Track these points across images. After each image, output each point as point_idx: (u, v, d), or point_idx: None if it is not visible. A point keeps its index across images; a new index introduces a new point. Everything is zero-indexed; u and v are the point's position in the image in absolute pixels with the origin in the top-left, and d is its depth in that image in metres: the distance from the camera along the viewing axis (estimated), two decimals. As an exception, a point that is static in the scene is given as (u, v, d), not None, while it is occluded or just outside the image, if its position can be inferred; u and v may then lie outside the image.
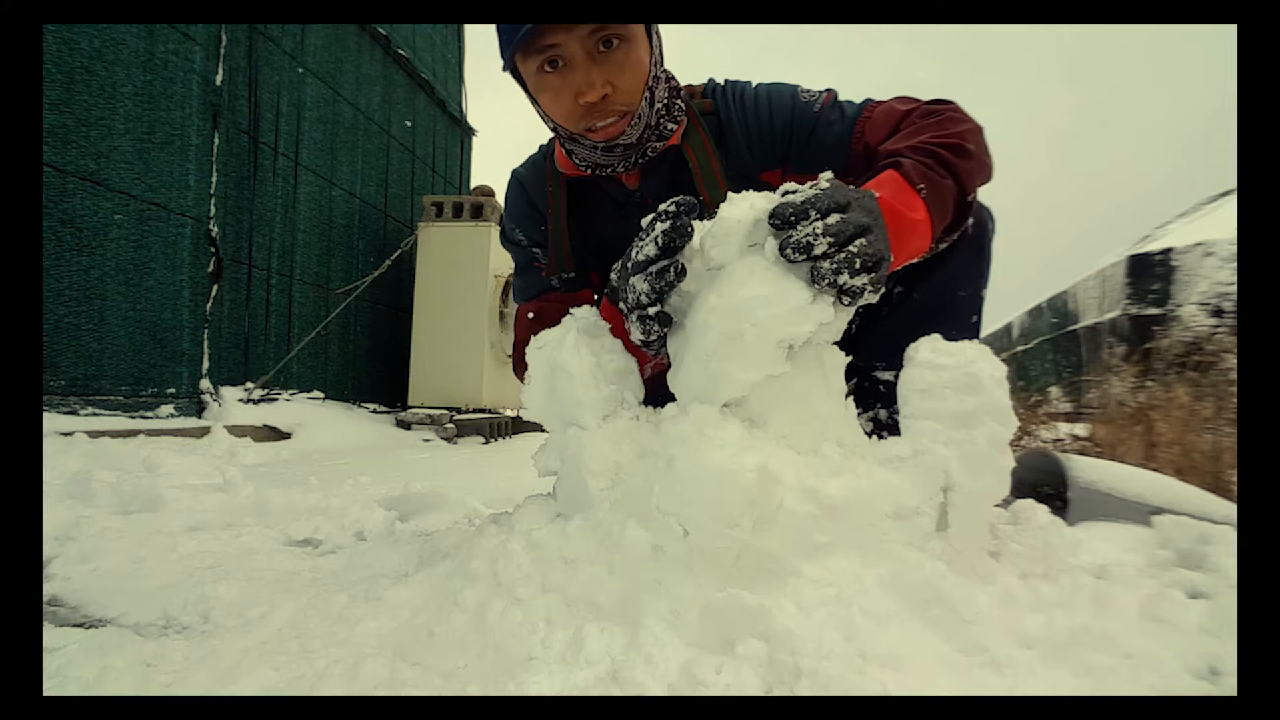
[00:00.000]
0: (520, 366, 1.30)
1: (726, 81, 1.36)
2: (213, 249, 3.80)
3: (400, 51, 5.91)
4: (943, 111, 1.16)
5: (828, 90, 1.29)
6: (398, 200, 5.98)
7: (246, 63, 4.12)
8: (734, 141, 1.30)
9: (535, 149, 1.52)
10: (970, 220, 1.16)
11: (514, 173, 1.48)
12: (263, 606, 1.11)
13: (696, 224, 1.05)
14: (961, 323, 1.26)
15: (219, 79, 3.83)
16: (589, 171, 1.31)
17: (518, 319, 1.45)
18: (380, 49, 5.67)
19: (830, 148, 1.24)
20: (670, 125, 1.26)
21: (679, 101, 1.29)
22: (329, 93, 4.99)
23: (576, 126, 1.19)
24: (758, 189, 1.04)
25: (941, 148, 1.05)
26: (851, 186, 0.93)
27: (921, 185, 1.00)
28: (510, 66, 1.20)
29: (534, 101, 1.24)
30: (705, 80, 1.37)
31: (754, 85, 1.33)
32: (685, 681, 0.76)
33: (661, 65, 1.22)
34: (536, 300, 1.43)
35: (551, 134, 1.31)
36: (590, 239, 1.37)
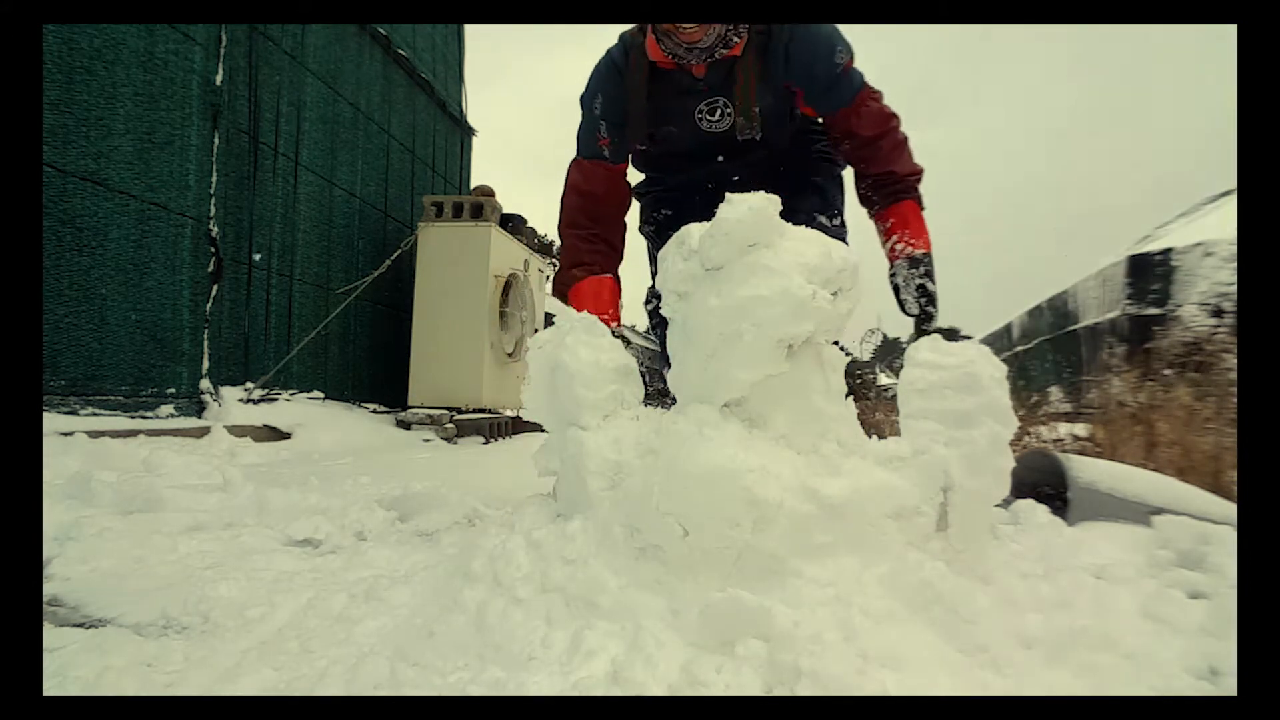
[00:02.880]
0: (568, 228, 1.88)
1: None
2: (213, 249, 3.80)
3: (400, 51, 5.91)
4: (903, 138, 1.77)
5: (849, 55, 1.73)
6: (398, 200, 5.98)
7: (246, 63, 4.12)
8: (774, 54, 1.72)
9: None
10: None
11: (610, 54, 1.85)
12: (263, 606, 1.11)
13: (696, 224, 1.06)
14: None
15: (219, 79, 3.83)
16: (671, 59, 1.70)
17: (571, 168, 1.90)
18: (380, 49, 5.66)
19: (833, 102, 1.76)
20: (734, 38, 1.67)
21: (743, 26, 1.68)
22: (329, 93, 4.99)
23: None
24: (779, 94, 1.75)
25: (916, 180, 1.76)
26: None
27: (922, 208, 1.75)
28: None
29: None
30: None
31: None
32: (685, 681, 0.76)
33: None
34: (589, 161, 1.87)
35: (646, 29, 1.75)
36: (652, 112, 1.80)
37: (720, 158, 1.88)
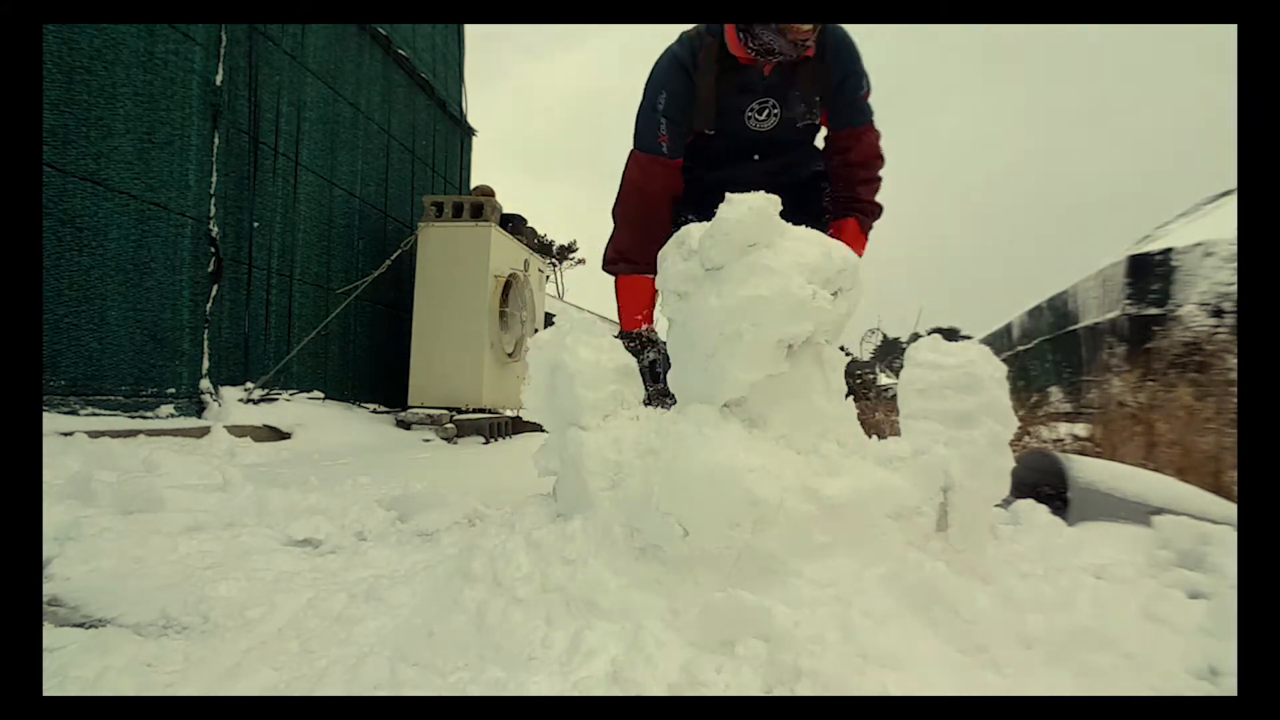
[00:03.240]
0: (622, 219, 2.05)
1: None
2: (213, 249, 3.80)
3: (400, 51, 5.91)
4: (879, 178, 1.99)
5: (870, 86, 1.94)
6: (398, 200, 5.98)
7: (246, 63, 4.12)
8: (820, 57, 1.89)
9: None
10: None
11: (673, 52, 1.94)
12: (263, 606, 1.11)
13: (696, 224, 1.06)
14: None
15: (219, 79, 3.83)
16: (754, 55, 1.81)
17: (630, 161, 2.01)
18: (380, 49, 5.66)
19: (846, 119, 1.95)
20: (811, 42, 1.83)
21: None
22: (329, 93, 4.99)
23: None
24: (816, 102, 1.92)
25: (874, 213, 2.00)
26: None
27: (865, 234, 1.97)
28: None
29: None
30: None
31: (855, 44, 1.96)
32: (685, 681, 0.76)
33: None
34: (647, 156, 1.98)
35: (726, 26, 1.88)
36: (718, 104, 1.93)
37: (756, 156, 2.01)
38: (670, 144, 1.94)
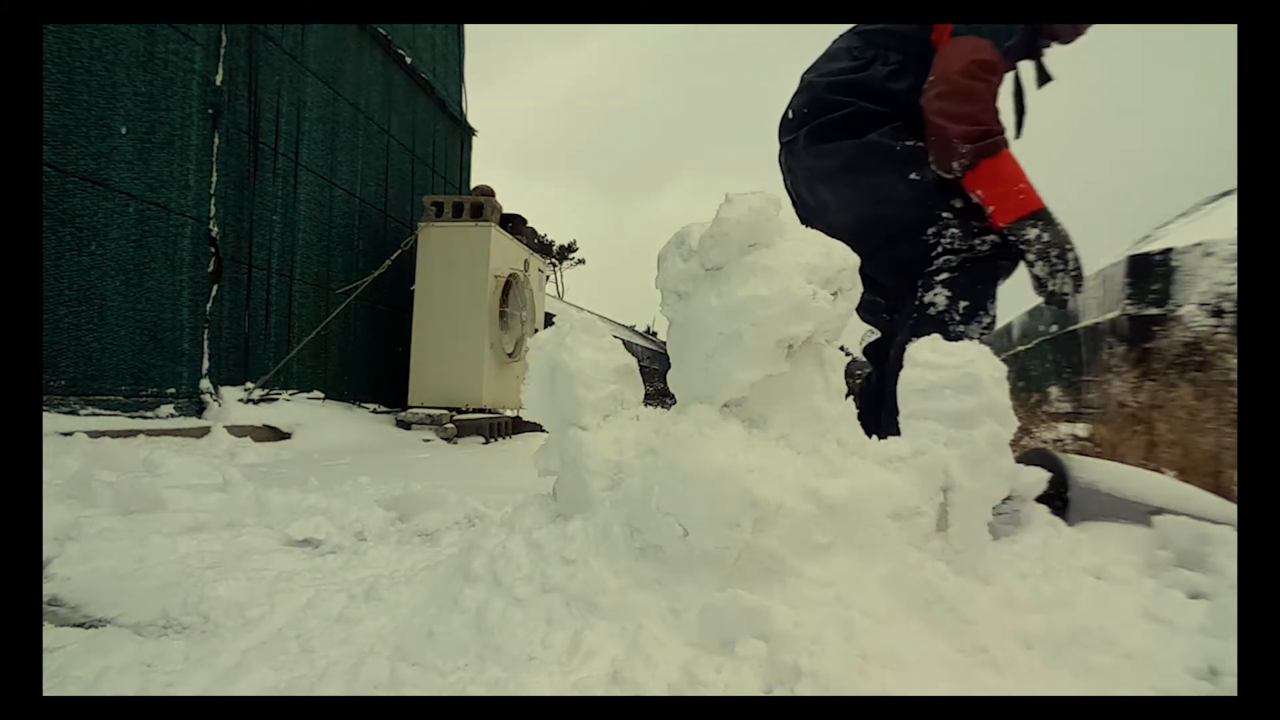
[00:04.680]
0: (978, 80, 1.69)
1: None
2: (213, 249, 3.80)
3: (400, 51, 5.91)
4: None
5: None
6: (398, 200, 5.98)
7: (246, 63, 4.12)
8: None
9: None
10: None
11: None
12: (263, 606, 1.11)
13: (696, 224, 1.06)
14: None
15: (219, 79, 3.83)
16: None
17: (985, 43, 1.73)
18: (380, 49, 5.67)
19: None
20: None
21: None
22: (329, 93, 4.99)
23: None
24: None
25: None
26: None
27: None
28: None
29: None
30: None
31: None
32: (685, 681, 0.76)
33: None
34: (998, 51, 1.74)
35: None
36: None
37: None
38: (1010, 58, 1.78)
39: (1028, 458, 1.72)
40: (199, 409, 3.74)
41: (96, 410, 3.13)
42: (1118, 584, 0.96)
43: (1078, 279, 1.64)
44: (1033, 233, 1.63)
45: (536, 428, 5.05)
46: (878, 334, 2.19)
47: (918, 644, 0.81)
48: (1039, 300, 1.72)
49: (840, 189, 1.89)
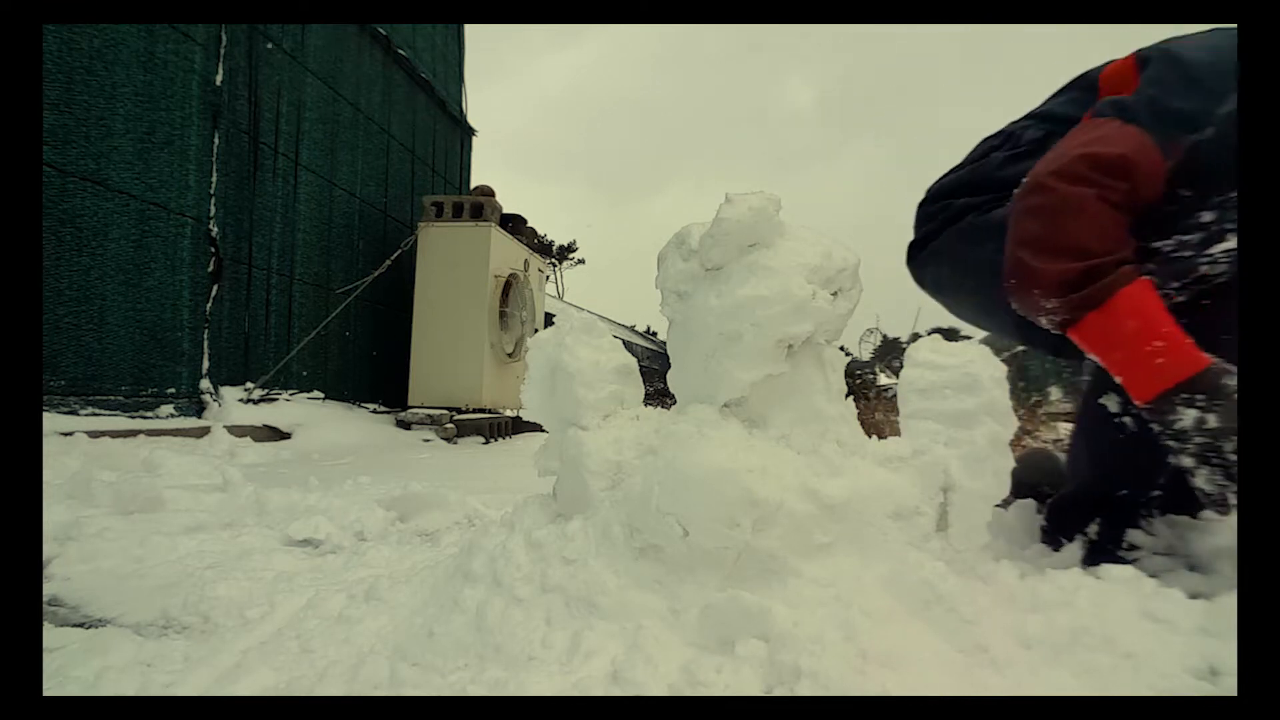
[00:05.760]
0: (1079, 184, 1.07)
1: None
2: (213, 249, 3.80)
3: (400, 51, 5.91)
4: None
5: None
6: (398, 200, 5.98)
7: (246, 63, 4.12)
8: None
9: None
10: None
11: None
12: (263, 606, 1.11)
13: (697, 224, 1.06)
14: None
15: (219, 79, 3.83)
16: None
17: (1107, 123, 1.16)
18: (380, 49, 5.67)
19: None
20: None
21: None
22: (329, 93, 4.99)
23: None
24: None
25: None
26: None
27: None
28: None
29: None
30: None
31: None
32: (685, 681, 0.76)
33: None
34: (1143, 132, 1.13)
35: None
36: None
37: None
38: (1171, 155, 1.10)
39: (1028, 458, 1.72)
40: (199, 409, 3.74)
41: (96, 410, 3.13)
42: (1118, 584, 0.96)
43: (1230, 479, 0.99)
44: (1188, 417, 1.00)
45: (536, 428, 5.05)
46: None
47: (918, 644, 0.81)
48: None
49: (949, 290, 1.49)
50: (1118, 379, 1.07)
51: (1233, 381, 0.97)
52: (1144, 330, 1.03)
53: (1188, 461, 1.02)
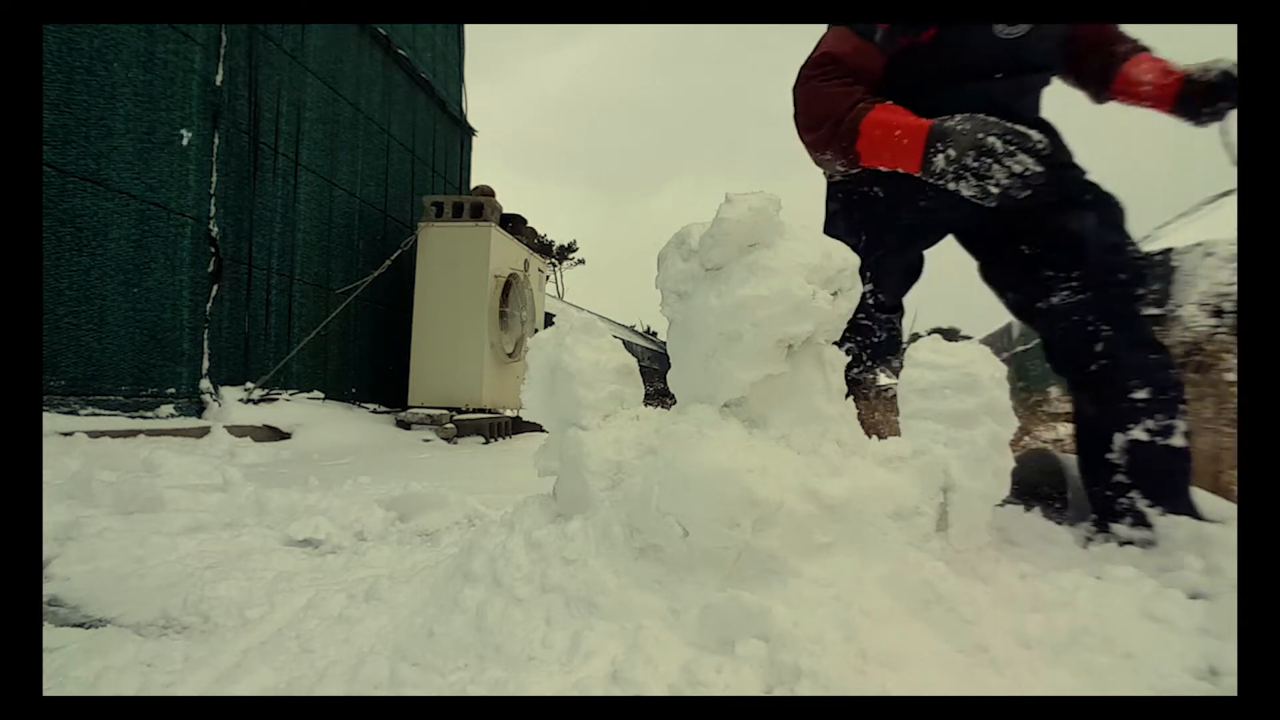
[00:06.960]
0: (818, 79, 1.49)
1: None
2: (213, 249, 3.80)
3: (400, 51, 5.91)
4: None
5: None
6: (398, 200, 5.99)
7: (246, 63, 4.12)
8: None
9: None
10: None
11: None
12: (263, 606, 1.11)
13: (697, 224, 1.06)
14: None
15: (219, 79, 3.83)
16: None
17: (827, 35, 1.54)
18: (380, 49, 5.67)
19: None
20: None
21: None
22: (329, 93, 4.99)
23: None
24: None
25: None
26: None
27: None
28: None
29: None
30: None
31: None
32: (685, 681, 0.76)
33: None
34: (853, 33, 1.50)
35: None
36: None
37: (999, 75, 1.53)
38: (886, 34, 1.48)
39: (1028, 458, 1.72)
40: (199, 409, 3.74)
41: (96, 410, 3.13)
42: (1118, 584, 0.96)
43: (1030, 163, 1.26)
44: (939, 159, 1.30)
45: (536, 428, 5.05)
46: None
47: (918, 644, 0.81)
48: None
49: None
50: (895, 170, 1.41)
51: (957, 123, 1.30)
52: (888, 133, 1.38)
53: (960, 188, 1.30)
